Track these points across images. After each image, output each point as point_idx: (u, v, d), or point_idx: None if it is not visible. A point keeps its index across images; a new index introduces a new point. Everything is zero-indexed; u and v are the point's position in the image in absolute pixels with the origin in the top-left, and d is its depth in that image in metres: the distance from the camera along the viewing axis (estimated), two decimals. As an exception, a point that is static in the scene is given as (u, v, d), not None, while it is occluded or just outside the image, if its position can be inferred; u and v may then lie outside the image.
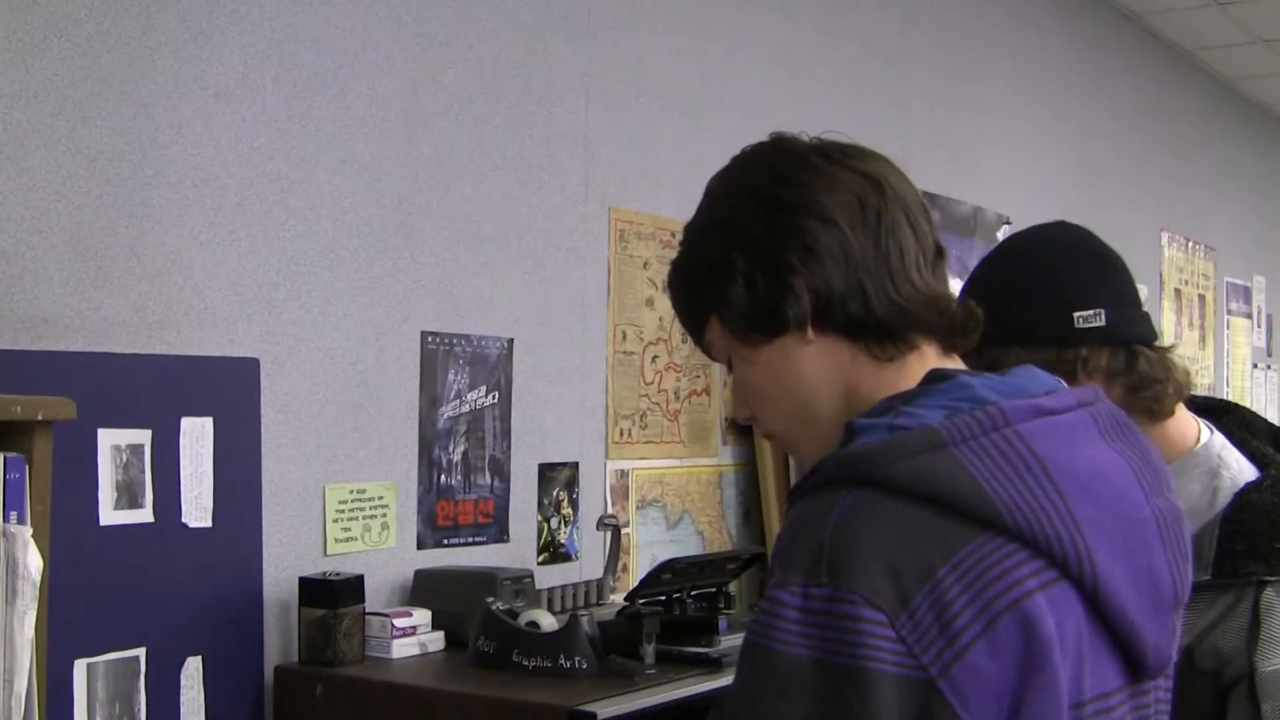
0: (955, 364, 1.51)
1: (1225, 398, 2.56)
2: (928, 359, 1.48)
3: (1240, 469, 2.15)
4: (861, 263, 1.46)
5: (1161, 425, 2.13)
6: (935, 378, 1.44)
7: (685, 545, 4.05)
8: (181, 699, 2.76)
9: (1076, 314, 2.07)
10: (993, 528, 1.29)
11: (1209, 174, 8.45)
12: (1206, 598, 2.02)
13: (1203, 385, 8.09)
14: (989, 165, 5.89)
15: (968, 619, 1.26)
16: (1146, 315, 2.16)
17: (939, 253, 1.52)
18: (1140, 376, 2.08)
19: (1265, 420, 2.33)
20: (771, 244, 1.47)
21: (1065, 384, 1.48)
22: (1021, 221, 5.85)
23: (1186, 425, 2.18)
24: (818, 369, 1.49)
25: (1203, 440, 2.18)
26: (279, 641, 2.96)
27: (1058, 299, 2.08)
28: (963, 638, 1.26)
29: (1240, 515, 2.09)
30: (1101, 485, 1.37)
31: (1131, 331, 2.09)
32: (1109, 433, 1.43)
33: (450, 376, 3.37)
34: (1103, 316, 2.07)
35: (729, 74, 4.32)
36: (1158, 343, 2.14)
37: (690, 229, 1.56)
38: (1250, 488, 2.12)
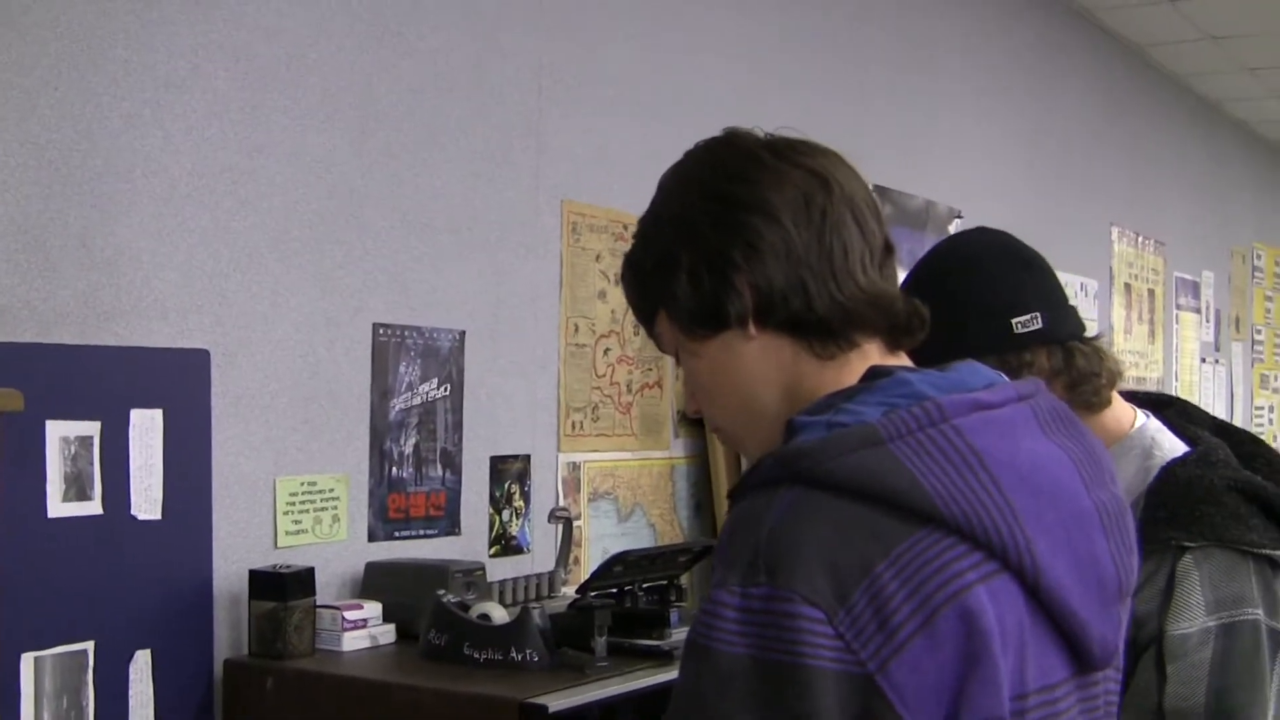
0: (900, 361, 1.51)
1: (1169, 392, 2.62)
2: (870, 357, 1.49)
3: (1173, 448, 2.21)
4: (804, 260, 1.46)
5: (1099, 414, 2.18)
6: (875, 374, 1.44)
7: (637, 538, 4.06)
8: (130, 692, 2.75)
9: (1014, 320, 2.12)
10: (931, 522, 1.30)
11: (1159, 169, 8.51)
12: None
13: (1152, 379, 8.14)
14: (941, 160, 5.91)
15: (906, 614, 1.26)
16: (1074, 309, 2.22)
17: (887, 250, 1.52)
18: (1079, 372, 2.14)
19: (1205, 412, 2.39)
20: (716, 240, 1.48)
21: (1006, 378, 1.49)
22: (973, 215, 5.89)
23: (1122, 412, 2.25)
24: (760, 365, 1.49)
25: (1137, 424, 2.24)
26: (229, 634, 2.95)
27: (995, 309, 2.13)
28: (901, 633, 1.26)
29: (1163, 487, 2.15)
30: (1041, 477, 1.37)
31: (1066, 330, 2.16)
32: (1049, 425, 1.44)
33: (402, 369, 3.36)
34: (1039, 319, 2.13)
35: (682, 67, 4.32)
36: (1087, 334, 2.19)
37: (643, 222, 1.57)
38: (1176, 462, 2.18)
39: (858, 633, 1.26)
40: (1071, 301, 2.25)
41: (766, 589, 1.27)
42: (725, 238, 1.47)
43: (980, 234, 2.32)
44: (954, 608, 1.28)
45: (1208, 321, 9.27)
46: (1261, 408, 10.41)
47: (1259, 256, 10.42)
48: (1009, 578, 1.32)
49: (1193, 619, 2.07)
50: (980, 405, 1.38)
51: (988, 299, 2.13)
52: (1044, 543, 1.34)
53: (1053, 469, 1.40)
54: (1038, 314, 2.12)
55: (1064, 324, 2.15)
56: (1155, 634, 2.08)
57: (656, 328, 1.57)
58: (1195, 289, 9.05)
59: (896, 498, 1.30)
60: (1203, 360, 9.12)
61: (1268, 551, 2.12)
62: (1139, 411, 2.27)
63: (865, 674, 1.26)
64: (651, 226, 1.56)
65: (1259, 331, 10.43)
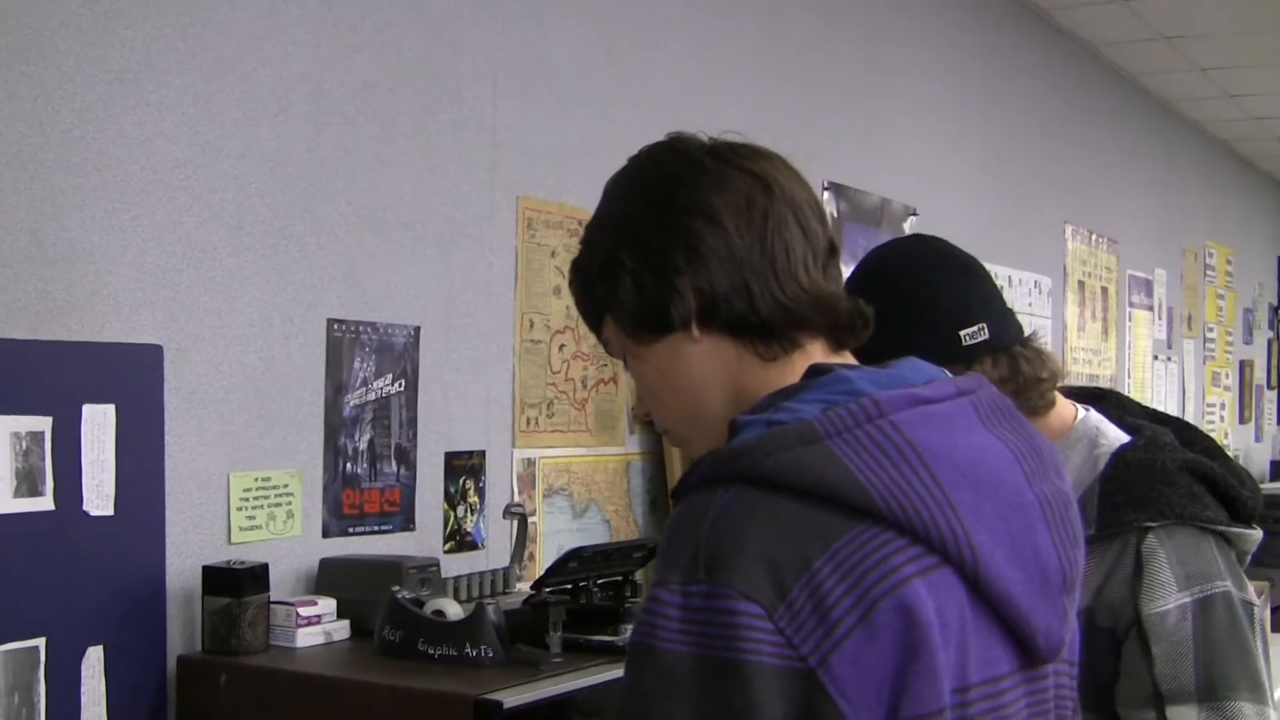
0: (844, 360, 1.52)
1: (1121, 389, 2.67)
2: (814, 356, 1.50)
3: (1117, 437, 2.26)
4: (747, 262, 1.48)
5: (1044, 415, 2.22)
6: (815, 372, 1.46)
7: (592, 534, 4.06)
8: (82, 689, 2.73)
9: (962, 333, 2.13)
10: (869, 517, 1.31)
11: (1112, 168, 8.55)
12: (1095, 553, 2.09)
13: (1105, 377, 8.19)
14: (896, 157, 5.93)
15: (845, 608, 1.28)
16: (1012, 312, 2.24)
17: (831, 251, 1.54)
18: (1025, 378, 2.18)
19: (1138, 403, 2.45)
20: (658, 243, 1.49)
21: (949, 374, 1.50)
22: (928, 212, 5.91)
23: (1063, 407, 2.29)
24: (704, 367, 1.51)
25: (1079, 418, 2.29)
26: (182, 631, 2.94)
27: (943, 323, 2.14)
28: (840, 627, 1.27)
29: (1117, 472, 2.19)
30: (980, 471, 1.38)
31: (1010, 336, 2.18)
32: (990, 420, 1.45)
33: (356, 364, 3.35)
34: (985, 330, 2.14)
35: (637, 63, 4.32)
36: (1026, 335, 2.22)
37: (588, 229, 1.59)
38: (1126, 448, 2.22)
39: (798, 628, 1.27)
40: (1010, 304, 2.28)
41: (706, 586, 1.28)
42: (667, 241, 1.49)
43: (919, 241, 2.35)
44: (891, 601, 1.29)
45: (1160, 319, 9.32)
46: (1214, 405, 10.48)
47: (1211, 255, 10.49)
48: (949, 570, 1.33)
49: (1167, 596, 2.10)
50: (918, 400, 1.40)
51: (935, 312, 2.14)
52: (983, 534, 1.35)
53: (993, 462, 1.41)
54: (984, 324, 2.14)
55: (1007, 330, 2.17)
56: (1133, 619, 2.11)
57: (604, 332, 1.58)
58: (1148, 287, 9.10)
59: (834, 493, 1.31)
60: (1155, 358, 9.18)
61: (1223, 528, 2.17)
62: (1078, 405, 2.32)
63: (806, 669, 1.27)
64: (595, 232, 1.57)
65: (1211, 329, 10.51)
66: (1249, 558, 2.25)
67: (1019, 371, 2.16)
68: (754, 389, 1.48)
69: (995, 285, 2.25)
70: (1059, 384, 2.24)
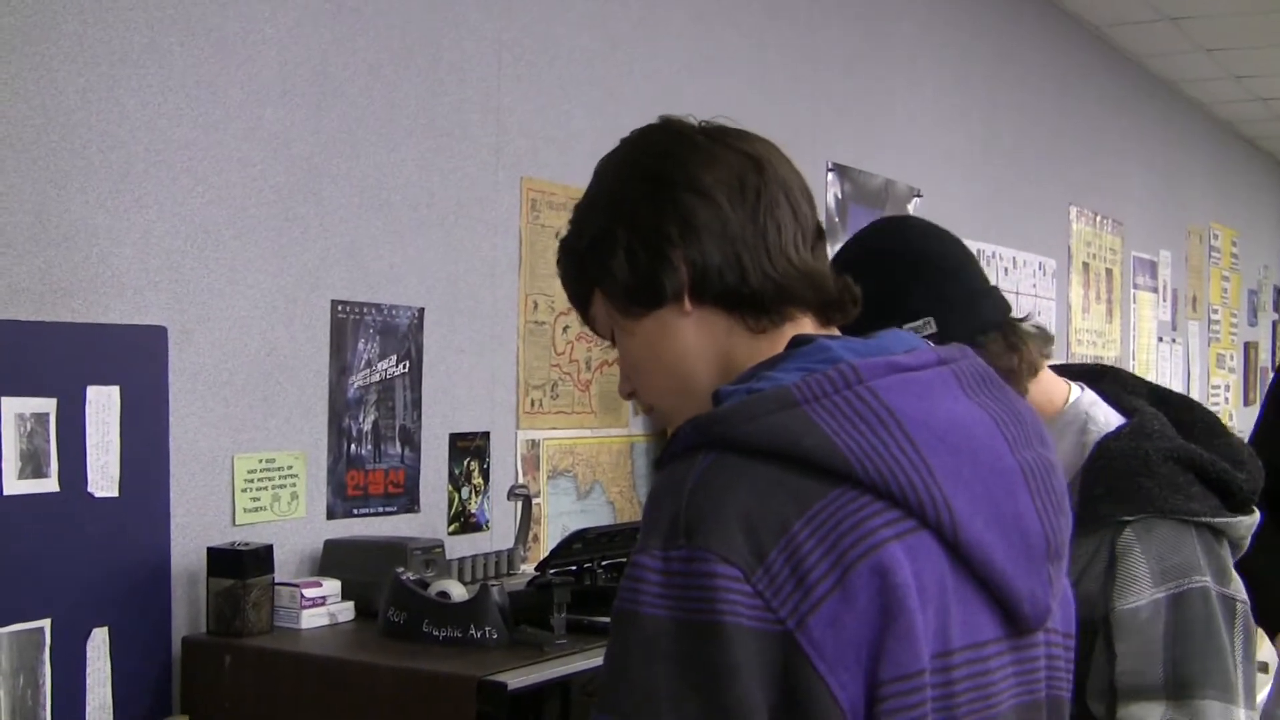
0: (830, 334, 1.54)
1: (1105, 364, 2.60)
2: (803, 329, 1.52)
3: (1108, 422, 2.21)
4: (739, 237, 1.50)
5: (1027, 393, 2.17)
6: (797, 342, 1.48)
7: (596, 515, 4.06)
8: (87, 670, 2.74)
9: (906, 326, 2.07)
10: (846, 481, 1.33)
11: (1117, 149, 8.54)
12: (1074, 547, 2.07)
13: (1109, 358, 8.18)
14: (900, 138, 5.92)
15: (822, 571, 1.29)
16: (982, 299, 2.17)
17: (819, 234, 1.57)
18: None
19: (1141, 380, 2.38)
20: (651, 217, 1.51)
21: (930, 344, 1.51)
22: (932, 194, 5.90)
23: (1054, 391, 2.24)
24: (695, 340, 1.53)
25: (1071, 399, 2.24)
26: (187, 612, 2.94)
27: (888, 313, 2.04)
28: (817, 590, 1.29)
29: (1098, 464, 2.15)
30: (959, 437, 1.39)
31: (964, 329, 2.08)
32: (972, 388, 1.47)
33: (360, 346, 3.35)
34: (931, 324, 2.10)
35: (641, 44, 4.31)
36: (1011, 316, 2.16)
37: (577, 209, 1.61)
38: (1110, 437, 2.18)
39: (776, 590, 1.28)
40: (993, 291, 2.22)
41: (685, 550, 1.30)
42: (661, 215, 1.51)
43: (877, 233, 2.28)
44: (867, 563, 1.30)
45: (1165, 301, 9.32)
46: (1218, 387, 10.47)
47: (1215, 236, 10.48)
48: (928, 535, 1.35)
49: (1140, 592, 2.08)
50: (897, 368, 1.41)
51: (881, 301, 2.07)
52: (962, 499, 1.36)
53: (973, 428, 1.42)
54: (929, 319, 2.11)
55: (963, 322, 2.10)
56: (1104, 613, 2.09)
57: (592, 310, 1.60)
58: (1152, 269, 9.09)
59: (811, 458, 1.33)
60: (1160, 339, 9.17)
61: (1208, 519, 2.13)
62: (1072, 385, 2.27)
63: (784, 631, 1.28)
64: (586, 210, 1.59)
65: (1215, 311, 10.50)
66: (1248, 540, 2.21)
67: (1000, 361, 2.10)
68: (741, 362, 1.50)
69: (966, 268, 2.19)
70: (1039, 369, 2.19)
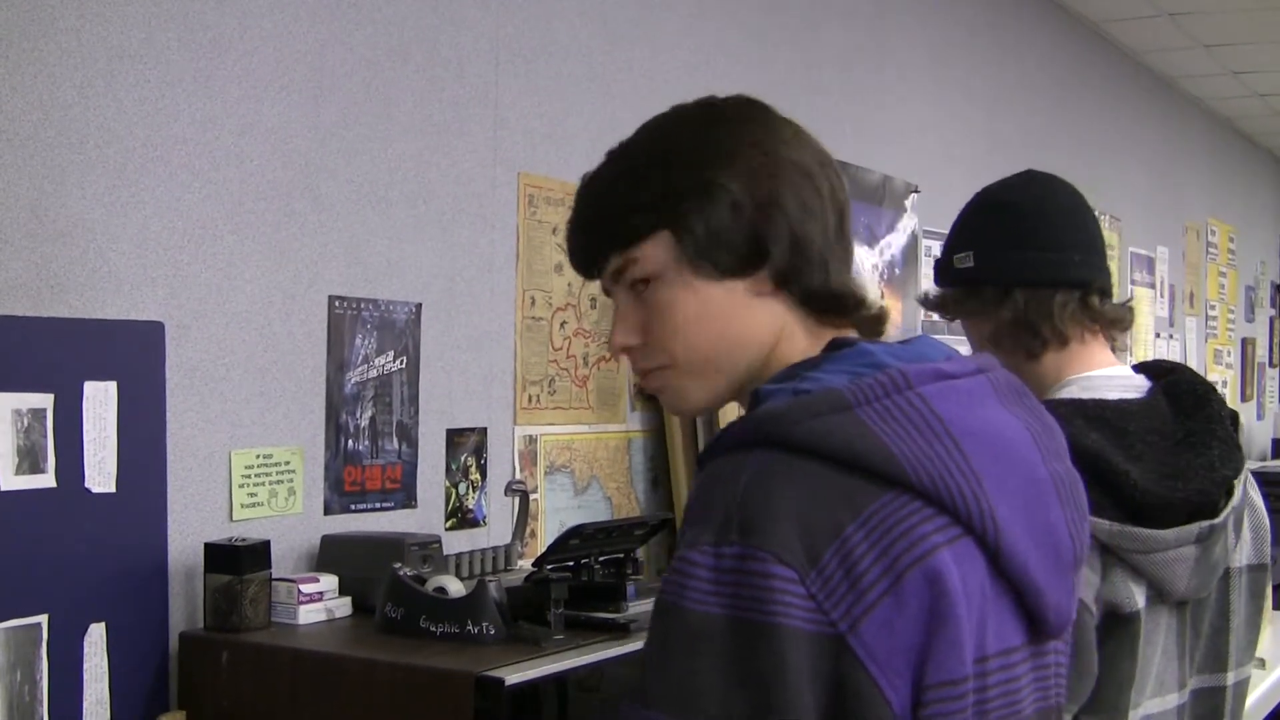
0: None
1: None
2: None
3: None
4: (828, 240, 1.51)
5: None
6: (836, 345, 1.48)
7: (593, 511, 4.06)
8: (85, 666, 2.74)
9: (955, 256, 2.23)
10: (898, 486, 1.33)
11: (1114, 145, 8.54)
12: None
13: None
14: (898, 134, 5.91)
15: (875, 575, 1.29)
16: (1049, 259, 2.28)
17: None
18: (1020, 323, 2.22)
19: (1199, 381, 2.27)
20: (769, 183, 1.48)
21: (960, 353, 1.52)
22: (930, 189, 5.89)
23: (1062, 367, 2.25)
24: (760, 324, 1.51)
25: (1065, 379, 2.25)
26: (184, 608, 2.94)
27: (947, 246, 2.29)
28: (870, 593, 1.28)
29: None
30: (1001, 446, 1.40)
31: (1007, 276, 2.24)
32: (1006, 398, 1.48)
33: (357, 341, 3.35)
34: (970, 258, 2.21)
35: (638, 40, 4.31)
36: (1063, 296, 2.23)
37: (632, 147, 1.56)
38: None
39: (829, 593, 1.28)
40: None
41: (740, 548, 1.29)
42: (778, 185, 1.49)
43: (1009, 183, 2.46)
44: (920, 569, 1.30)
45: (1162, 297, 9.31)
46: (1215, 383, 10.45)
47: (1213, 232, 10.48)
48: (971, 541, 1.35)
49: None
50: (942, 375, 1.41)
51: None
52: (1004, 509, 1.37)
53: (1012, 438, 1.42)
54: (970, 253, 2.24)
55: (1007, 269, 2.25)
56: None
57: (634, 251, 1.53)
58: (1150, 264, 9.09)
59: (865, 461, 1.32)
60: (1157, 335, 9.17)
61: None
62: (1081, 373, 2.24)
63: (836, 634, 1.28)
64: (670, 152, 1.53)
65: (1213, 307, 10.50)
66: (1163, 554, 2.00)
67: (1021, 315, 2.18)
68: (782, 359, 1.50)
69: (1041, 229, 2.33)
70: (1069, 342, 2.21)
